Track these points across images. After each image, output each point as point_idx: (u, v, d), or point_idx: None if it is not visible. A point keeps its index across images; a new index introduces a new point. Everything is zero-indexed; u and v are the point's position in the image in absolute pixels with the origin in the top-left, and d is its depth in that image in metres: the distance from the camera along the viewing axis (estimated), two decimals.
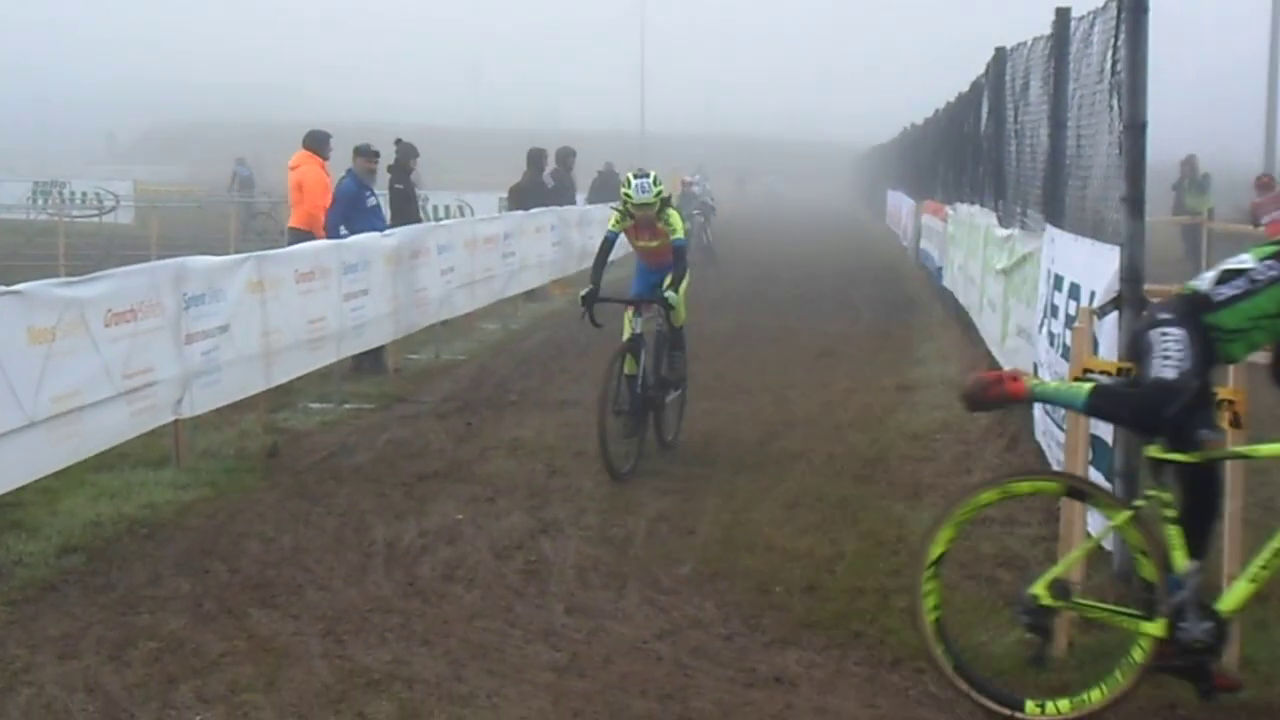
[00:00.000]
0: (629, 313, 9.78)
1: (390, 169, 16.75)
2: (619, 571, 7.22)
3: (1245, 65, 37.94)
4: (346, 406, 11.66)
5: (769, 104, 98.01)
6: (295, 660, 5.93)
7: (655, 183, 9.47)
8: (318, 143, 14.55)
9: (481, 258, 16.45)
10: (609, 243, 9.68)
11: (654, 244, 9.72)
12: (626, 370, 9.55)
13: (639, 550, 7.62)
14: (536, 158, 21.11)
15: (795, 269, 26.26)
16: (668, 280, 9.73)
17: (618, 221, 9.64)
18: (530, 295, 19.54)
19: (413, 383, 13.02)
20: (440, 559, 7.42)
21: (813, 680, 5.80)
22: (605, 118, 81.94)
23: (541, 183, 21.02)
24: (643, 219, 9.54)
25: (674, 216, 9.58)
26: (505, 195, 22.50)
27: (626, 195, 9.48)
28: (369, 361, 13.05)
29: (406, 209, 16.43)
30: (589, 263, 29.13)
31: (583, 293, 9.50)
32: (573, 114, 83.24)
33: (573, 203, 22.49)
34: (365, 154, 13.74)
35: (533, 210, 19.66)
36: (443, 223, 15.68)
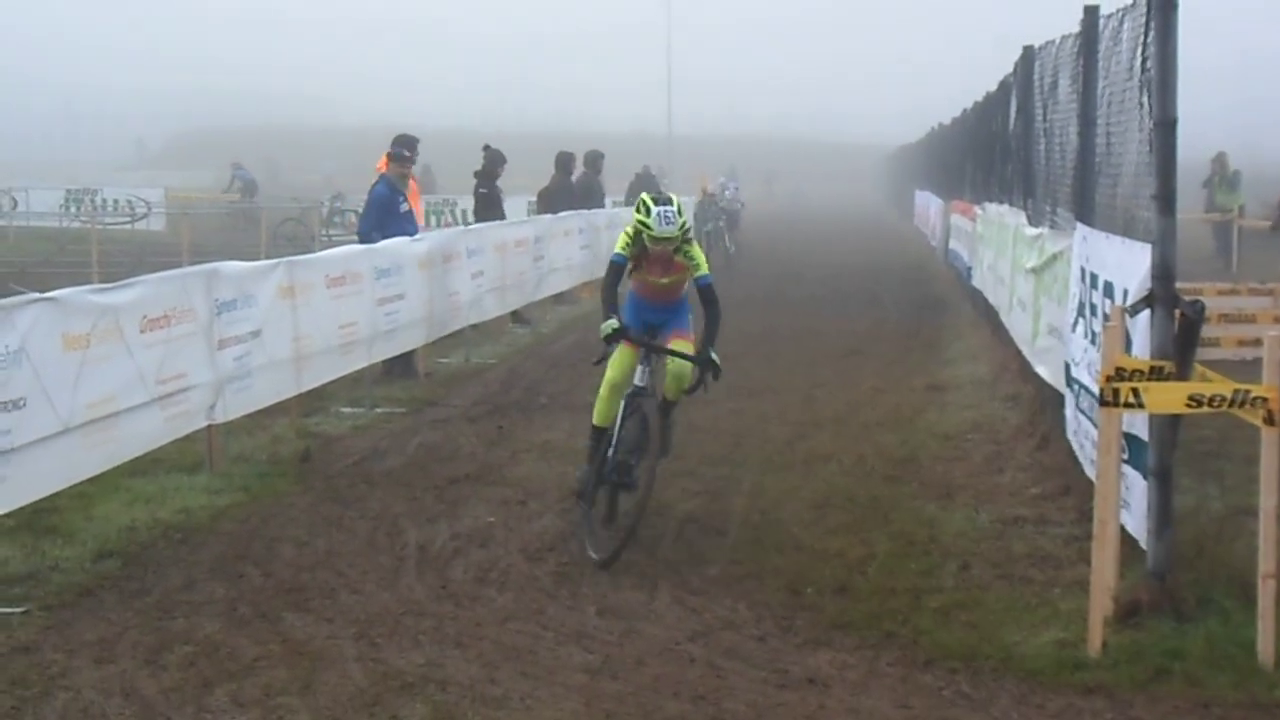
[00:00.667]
0: (624, 355, 7.99)
1: (477, 174, 18.00)
2: (650, 573, 7.23)
3: (1275, 61, 37.69)
4: (378, 411, 11.71)
5: (796, 104, 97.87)
6: (329, 664, 5.96)
7: (680, 212, 7.81)
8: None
9: (511, 261, 16.51)
10: (618, 269, 7.94)
11: (665, 280, 7.99)
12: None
13: (669, 551, 7.63)
14: (565, 161, 21.13)
15: (823, 269, 26.22)
16: (698, 333, 8.04)
17: (626, 245, 7.89)
18: (559, 298, 19.59)
19: (443, 386, 13.06)
20: (472, 562, 7.44)
21: (845, 681, 5.79)
22: (632, 120, 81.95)
23: (570, 186, 21.05)
24: (658, 253, 7.86)
25: (696, 251, 7.96)
26: (534, 199, 22.57)
27: (643, 225, 7.75)
28: (399, 366, 13.09)
29: (491, 213, 17.36)
30: None
31: (610, 327, 7.73)
32: (599, 117, 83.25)
33: (601, 206, 22.52)
34: (399, 159, 13.75)
35: (561, 214, 19.70)
36: (472, 227, 15.71)
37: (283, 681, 5.75)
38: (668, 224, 7.73)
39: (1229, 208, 24.84)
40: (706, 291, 7.86)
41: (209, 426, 9.09)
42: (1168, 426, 6.32)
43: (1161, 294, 6.36)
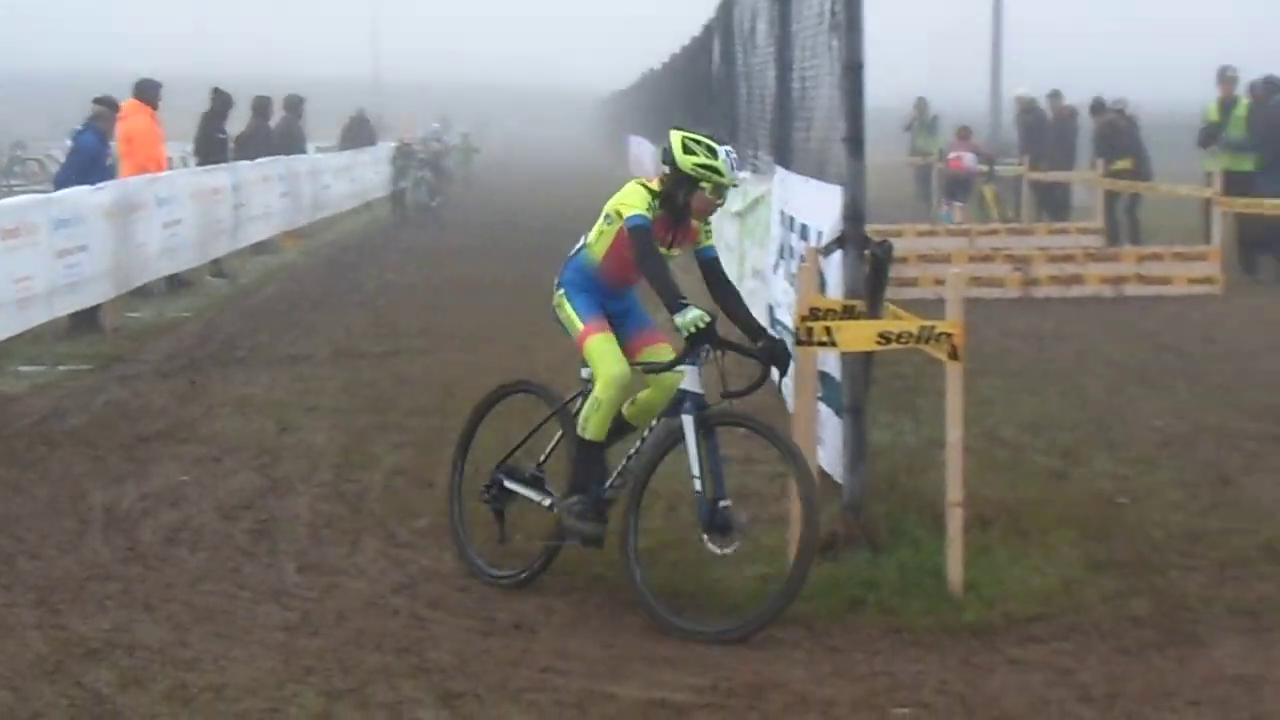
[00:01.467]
0: (615, 344, 6.09)
1: (207, 116, 17.96)
2: (354, 527, 7.05)
3: (974, 8, 39.40)
4: (61, 368, 11.10)
5: (511, 49, 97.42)
6: (6, 631, 5.61)
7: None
8: (147, 92, 14.20)
9: (208, 210, 15.95)
10: (652, 235, 5.92)
11: (676, 252, 6.18)
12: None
13: (375, 505, 7.45)
14: (262, 106, 20.70)
15: (538, 217, 26.12)
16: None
17: (651, 204, 5.93)
18: (259, 248, 19.09)
19: (133, 342, 12.46)
20: (163, 522, 7.11)
21: (552, 625, 5.77)
22: (337, 64, 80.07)
23: (269, 132, 20.58)
24: (701, 211, 6.05)
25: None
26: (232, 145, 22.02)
27: (706, 170, 5.89)
28: (85, 321, 12.45)
29: (218, 157, 17.51)
30: (321, 214, 28.56)
31: (702, 319, 5.72)
32: (304, 61, 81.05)
33: (303, 152, 22.13)
34: (112, 105, 13.23)
35: (260, 160, 19.21)
36: (164, 174, 15.05)
37: None
38: (738, 169, 6.11)
39: (928, 151, 25.80)
40: (717, 265, 6.21)
41: None
42: (860, 364, 6.48)
43: (852, 235, 6.51)
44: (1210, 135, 16.94)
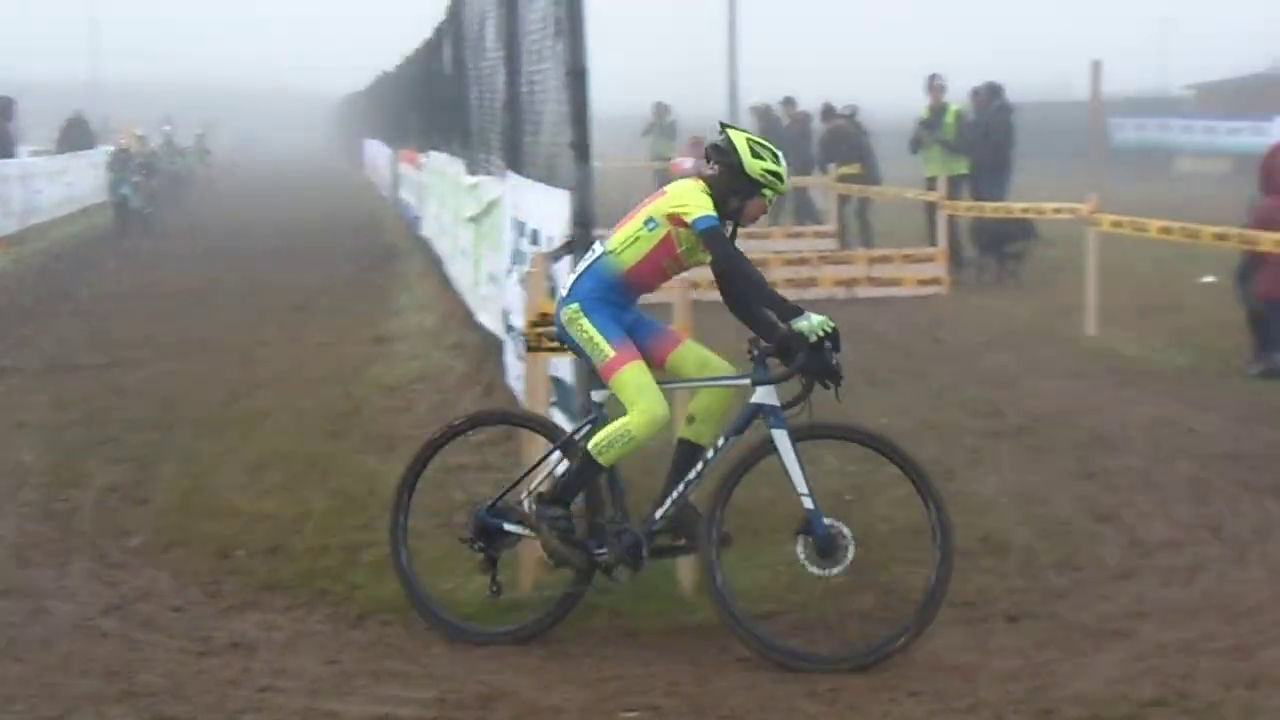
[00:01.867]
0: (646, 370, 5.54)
1: None
2: (63, 548, 6.71)
3: (711, 13, 40.21)
4: None
5: (236, 48, 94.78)
6: None
7: None
8: None
9: None
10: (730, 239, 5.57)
11: (709, 259, 5.61)
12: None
13: (86, 524, 7.12)
14: None
15: (269, 222, 25.51)
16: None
17: (715, 205, 5.48)
18: None
19: None
20: None
21: (272, 642, 5.59)
22: (54, 64, 76.55)
23: None
24: (751, 217, 5.68)
25: None
26: None
27: (771, 175, 5.53)
28: None
29: None
30: (34, 220, 27.51)
31: (827, 322, 5.47)
32: (15, 60, 77.27)
33: (11, 155, 21.16)
34: None
35: None
36: None
37: None
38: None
39: (666, 155, 26.17)
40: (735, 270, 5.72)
41: None
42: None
43: (581, 240, 6.48)
44: (920, 139, 17.41)
